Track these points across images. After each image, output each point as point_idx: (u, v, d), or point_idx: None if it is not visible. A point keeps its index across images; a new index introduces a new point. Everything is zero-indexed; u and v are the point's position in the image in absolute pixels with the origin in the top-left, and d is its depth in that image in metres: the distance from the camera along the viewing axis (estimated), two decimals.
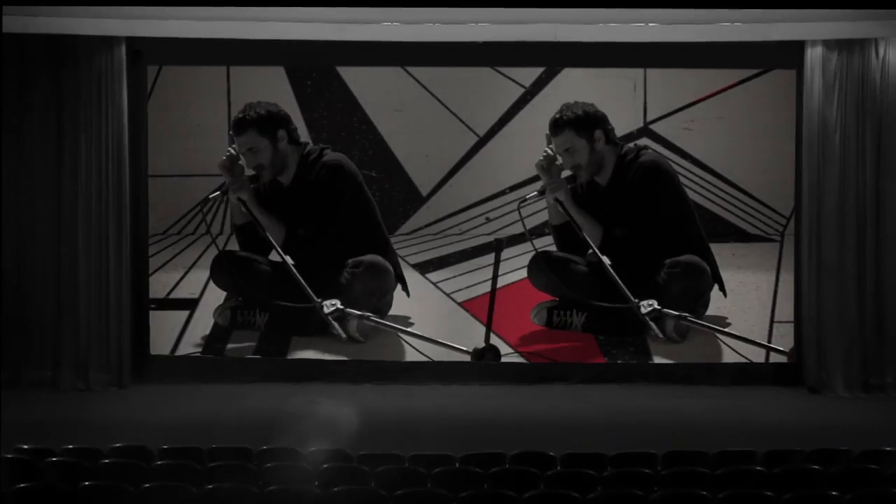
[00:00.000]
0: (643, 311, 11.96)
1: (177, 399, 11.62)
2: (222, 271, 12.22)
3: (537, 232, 12.36)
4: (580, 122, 11.95)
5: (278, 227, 12.09)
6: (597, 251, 11.97)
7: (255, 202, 12.05)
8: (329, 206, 12.07)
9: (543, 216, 12.26)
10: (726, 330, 12.16)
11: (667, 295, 12.02)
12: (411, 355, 12.21)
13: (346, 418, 8.79)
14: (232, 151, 11.98)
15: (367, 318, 12.09)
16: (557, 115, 11.97)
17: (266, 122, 12.01)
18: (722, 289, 12.18)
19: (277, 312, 12.23)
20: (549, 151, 11.94)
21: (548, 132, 11.96)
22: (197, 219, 12.41)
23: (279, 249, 12.00)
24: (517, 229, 12.35)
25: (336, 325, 12.03)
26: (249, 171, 12.06)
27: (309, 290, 11.97)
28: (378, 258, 12.15)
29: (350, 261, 12.13)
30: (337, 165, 12.13)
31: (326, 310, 12.00)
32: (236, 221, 12.17)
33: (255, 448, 8.36)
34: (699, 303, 12.12)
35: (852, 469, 7.91)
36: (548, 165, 11.97)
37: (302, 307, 12.05)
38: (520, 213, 12.08)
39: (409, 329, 12.23)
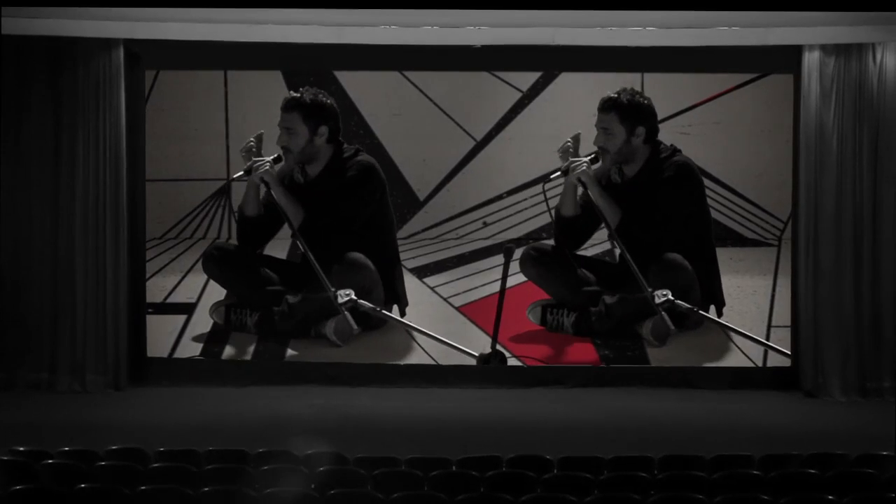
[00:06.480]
0: (657, 301, 11.89)
1: (173, 402, 11.61)
2: (213, 263, 12.18)
3: (535, 237, 12.36)
4: (627, 111, 11.85)
5: (298, 212, 11.91)
6: (615, 235, 11.83)
7: (278, 183, 11.91)
8: (353, 204, 11.97)
9: (544, 219, 12.29)
10: (732, 326, 12.12)
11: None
12: (411, 356, 12.20)
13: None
14: (252, 141, 11.85)
15: (380, 311, 11.97)
16: (612, 95, 11.86)
17: (313, 112, 11.90)
18: (718, 307, 12.16)
19: (267, 313, 12.16)
20: (570, 142, 11.83)
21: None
22: (195, 223, 12.41)
23: (296, 230, 11.78)
24: (515, 234, 12.35)
25: (349, 316, 11.93)
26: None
27: (325, 278, 11.82)
28: (358, 255, 12.03)
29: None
30: (370, 167, 12.05)
31: (341, 300, 11.91)
32: (249, 212, 12.07)
33: (251, 451, 8.35)
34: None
35: (849, 473, 7.91)
36: (574, 147, 11.82)
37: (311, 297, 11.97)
38: (545, 194, 11.97)
39: (417, 327, 12.18)
